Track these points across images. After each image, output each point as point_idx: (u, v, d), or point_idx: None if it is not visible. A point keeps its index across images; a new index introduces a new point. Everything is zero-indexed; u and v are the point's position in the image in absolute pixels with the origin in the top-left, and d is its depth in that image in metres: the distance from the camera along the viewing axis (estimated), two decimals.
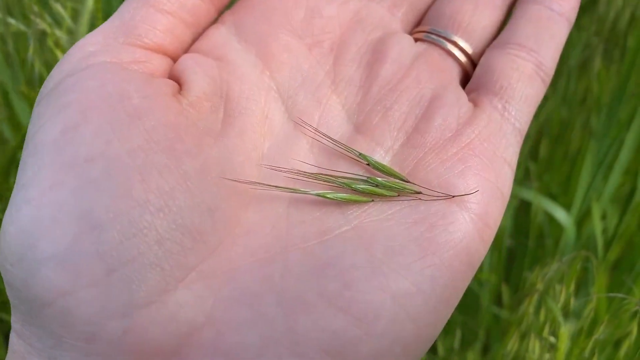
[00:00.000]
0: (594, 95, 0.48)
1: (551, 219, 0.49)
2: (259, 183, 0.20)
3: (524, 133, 0.23)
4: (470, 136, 0.21)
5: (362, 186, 0.20)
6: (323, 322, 0.18)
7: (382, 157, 0.21)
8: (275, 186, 0.20)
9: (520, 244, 0.52)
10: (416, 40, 0.25)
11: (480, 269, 0.49)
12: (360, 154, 0.21)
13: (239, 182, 0.20)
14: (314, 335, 0.18)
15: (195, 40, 0.23)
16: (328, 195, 0.20)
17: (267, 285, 0.18)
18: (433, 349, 0.47)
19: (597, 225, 0.46)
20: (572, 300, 0.38)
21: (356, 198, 0.20)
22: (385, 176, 0.21)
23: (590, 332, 0.37)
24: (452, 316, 0.49)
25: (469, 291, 0.50)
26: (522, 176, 0.52)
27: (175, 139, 0.19)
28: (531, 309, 0.36)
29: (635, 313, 0.35)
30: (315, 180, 0.21)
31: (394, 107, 0.22)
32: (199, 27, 0.23)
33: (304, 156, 0.21)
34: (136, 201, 0.17)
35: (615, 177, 0.47)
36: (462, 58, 0.24)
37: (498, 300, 0.51)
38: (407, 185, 0.20)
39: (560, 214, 0.47)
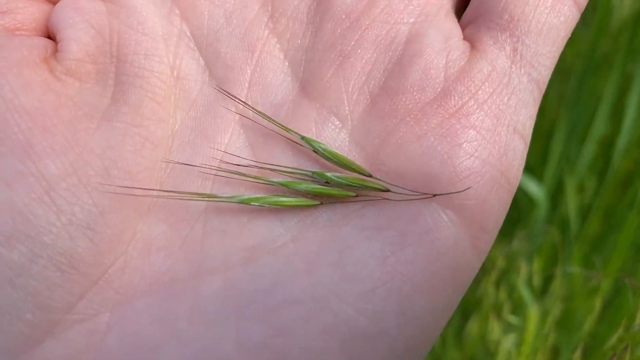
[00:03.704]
0: (566, 60, 0.46)
1: (526, 193, 0.47)
2: (153, 190, 0.15)
3: (544, 86, 0.16)
4: (463, 97, 0.15)
5: (306, 186, 0.15)
6: None
7: (336, 131, 0.16)
8: (179, 192, 0.15)
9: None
10: None
11: None
12: (303, 137, 0.16)
13: (121, 192, 0.14)
14: None
15: None
16: (254, 203, 0.15)
17: (168, 332, 0.14)
18: None
19: (570, 197, 0.43)
20: (537, 278, 0.36)
21: (296, 202, 0.15)
22: (339, 168, 0.16)
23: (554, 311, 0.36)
24: None
25: None
26: None
27: (33, 132, 0.14)
28: (490, 288, 0.34)
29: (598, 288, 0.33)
30: (243, 178, 0.16)
31: (354, 53, 0.16)
32: None
33: (232, 134, 0.16)
34: None
35: (589, 147, 0.44)
36: None
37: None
38: (369, 182, 0.15)
39: (532, 187, 0.44)
